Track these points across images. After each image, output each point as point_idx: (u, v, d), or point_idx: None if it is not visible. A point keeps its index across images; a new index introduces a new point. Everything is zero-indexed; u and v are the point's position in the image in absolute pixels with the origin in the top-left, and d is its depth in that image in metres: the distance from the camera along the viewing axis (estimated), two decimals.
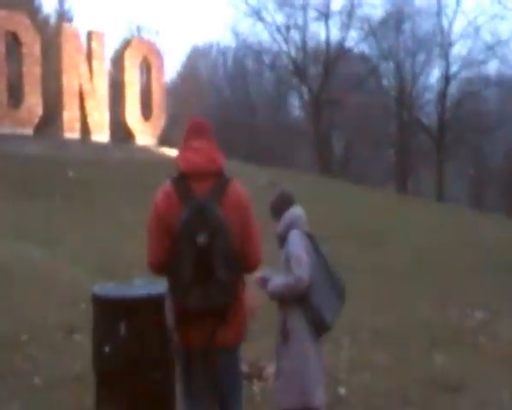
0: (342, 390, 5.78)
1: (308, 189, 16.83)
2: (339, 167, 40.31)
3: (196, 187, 3.39)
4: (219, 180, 3.45)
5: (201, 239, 3.25)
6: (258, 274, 4.12)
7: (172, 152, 19.17)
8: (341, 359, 6.50)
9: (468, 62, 38.63)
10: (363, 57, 40.75)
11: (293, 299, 4.14)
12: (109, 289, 4.14)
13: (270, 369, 5.31)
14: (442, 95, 38.57)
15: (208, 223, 3.27)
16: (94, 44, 20.79)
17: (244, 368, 5.06)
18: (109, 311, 3.82)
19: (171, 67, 60.99)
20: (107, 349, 3.76)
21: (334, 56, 39.01)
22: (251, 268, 3.60)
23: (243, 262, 3.46)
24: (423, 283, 11.29)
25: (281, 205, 4.39)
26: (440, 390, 6.07)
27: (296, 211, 4.38)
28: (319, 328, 4.19)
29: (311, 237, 4.34)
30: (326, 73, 38.63)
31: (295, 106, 46.67)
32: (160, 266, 3.41)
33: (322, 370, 4.30)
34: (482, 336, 8.24)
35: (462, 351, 7.51)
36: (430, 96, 40.62)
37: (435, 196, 35.87)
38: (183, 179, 3.43)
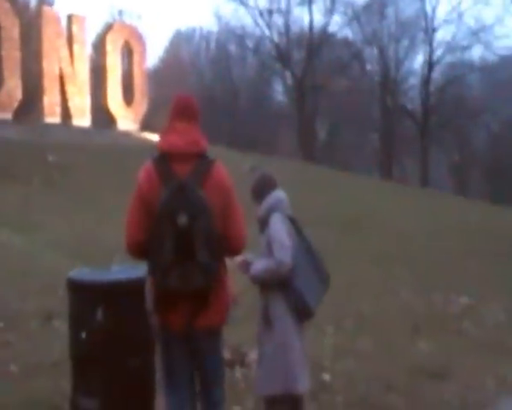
0: (326, 377, 5.73)
1: (292, 175, 16.75)
2: (323, 153, 40.28)
3: (178, 168, 3.36)
4: (202, 162, 3.41)
5: (182, 220, 3.20)
6: (239, 258, 4.03)
7: (154, 137, 19.06)
8: (325, 345, 6.45)
9: (451, 48, 38.72)
10: (346, 42, 40.65)
11: (276, 283, 4.05)
12: (86, 273, 4.05)
13: (253, 355, 5.24)
14: (426, 80, 38.64)
15: (189, 204, 3.23)
16: (75, 28, 20.66)
17: (226, 355, 4.99)
18: (86, 296, 3.75)
19: (153, 52, 60.59)
20: (83, 335, 3.70)
21: (318, 41, 38.86)
22: (234, 251, 3.56)
23: (226, 245, 3.42)
24: (407, 269, 11.28)
25: (262, 188, 4.29)
26: (425, 377, 6.04)
27: (278, 194, 4.28)
28: (302, 313, 4.11)
29: (293, 221, 4.25)
30: (309, 58, 38.49)
31: (278, 91, 46.53)
32: (139, 248, 3.36)
33: (306, 356, 4.23)
34: (467, 322, 8.24)
35: (447, 337, 7.50)
36: (414, 81, 40.75)
37: (419, 181, 35.98)
38: (165, 160, 3.39)
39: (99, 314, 3.66)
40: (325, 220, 13.61)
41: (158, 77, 39.54)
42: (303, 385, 4.13)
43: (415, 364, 6.31)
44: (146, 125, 23.36)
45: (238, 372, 5.55)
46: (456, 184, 40.11)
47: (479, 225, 15.91)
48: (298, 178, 17.88)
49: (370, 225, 14.53)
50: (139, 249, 3.36)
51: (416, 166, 39.01)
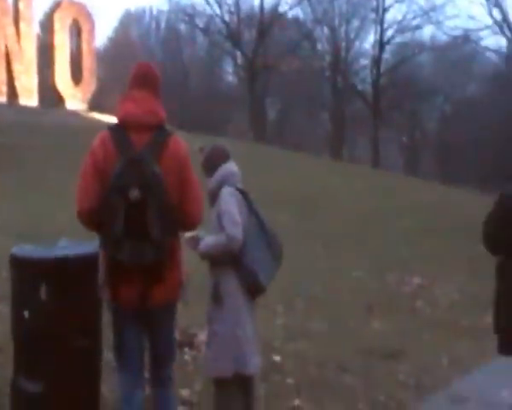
0: (277, 358, 5.61)
1: (243, 156, 16.46)
2: (273, 134, 40.22)
3: (134, 138, 3.31)
4: (159, 133, 3.36)
5: (134, 193, 3.16)
6: (188, 234, 3.85)
7: (104, 117, 18.79)
8: (276, 326, 6.34)
9: (402, 28, 39.09)
10: (297, 22, 40.58)
11: (226, 260, 3.89)
12: (29, 250, 3.82)
13: (202, 336, 5.07)
14: (377, 60, 38.92)
15: (142, 177, 3.18)
16: (21, 6, 20.32)
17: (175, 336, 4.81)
18: (28, 273, 3.58)
19: (102, 32, 59.38)
20: (26, 315, 3.57)
21: (268, 21, 38.68)
22: (189, 226, 3.55)
23: (182, 220, 3.40)
24: (360, 249, 11.26)
25: (214, 160, 4.11)
26: (378, 357, 5.98)
27: (230, 167, 4.11)
28: (253, 290, 3.96)
29: (245, 195, 4.07)
30: (260, 38, 38.29)
31: (229, 71, 46.22)
32: (89, 217, 3.30)
33: (257, 335, 4.07)
34: (420, 302, 8.25)
35: (401, 317, 7.48)
36: (365, 61, 40.97)
37: (370, 162, 36.28)
38: (121, 129, 3.35)
39: (42, 293, 3.51)
40: (277, 201, 13.47)
41: (107, 57, 38.81)
42: (254, 366, 3.98)
43: (368, 344, 6.25)
44: (95, 105, 23.09)
45: (187, 355, 5.39)
46: (407, 165, 40.62)
47: (431, 206, 16.04)
48: (249, 158, 17.64)
49: (322, 205, 14.48)
50: (89, 218, 3.29)
51: (368, 147, 39.36)
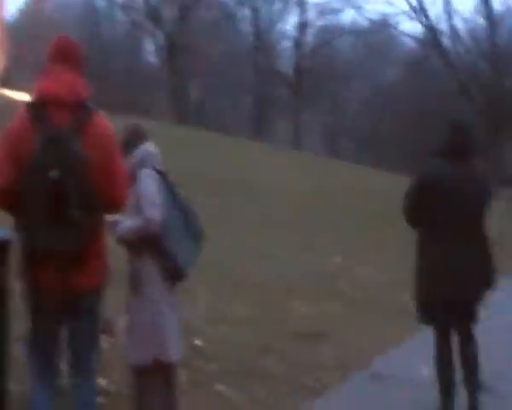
0: (199, 342, 5.52)
1: (166, 138, 16.25)
2: (196, 116, 39.81)
3: (54, 116, 3.13)
4: (81, 111, 3.19)
5: (54, 174, 3.00)
6: (111, 217, 3.70)
7: (15, 95, 17.95)
8: (199, 309, 6.23)
9: (324, 11, 39.33)
10: (219, 2, 40.18)
11: (145, 243, 3.73)
12: None
13: (121, 323, 4.89)
14: (298, 43, 39.11)
15: (62, 157, 3.03)
16: None
17: None
18: None
19: (12, 3, 56.82)
20: None
21: (190, 0, 38.12)
22: (113, 209, 3.38)
23: (105, 202, 3.21)
24: (283, 231, 11.25)
25: (131, 139, 3.96)
26: (301, 338, 5.99)
27: (148, 147, 3.97)
28: (174, 275, 3.84)
29: (164, 176, 3.93)
30: (181, 18, 37.71)
31: (150, 52, 45.30)
32: (2, 196, 3.12)
33: (178, 321, 3.96)
34: (343, 282, 8.32)
35: (324, 298, 7.51)
36: (287, 43, 41.09)
37: (292, 145, 36.51)
38: (40, 106, 3.16)
39: None
40: (200, 183, 13.29)
41: (18, 31, 37.22)
42: (176, 353, 3.87)
43: (291, 326, 6.25)
44: (5, 81, 22.05)
45: (105, 342, 5.19)
46: (328, 148, 41.16)
47: (352, 187, 16.28)
48: (172, 140, 17.37)
49: (248, 187, 14.41)
50: (3, 197, 3.12)
51: (289, 130, 39.60)
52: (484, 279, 4.45)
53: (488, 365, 4.72)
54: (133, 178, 3.83)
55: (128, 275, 3.85)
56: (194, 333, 5.63)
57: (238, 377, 5.03)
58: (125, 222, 3.76)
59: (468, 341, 4.54)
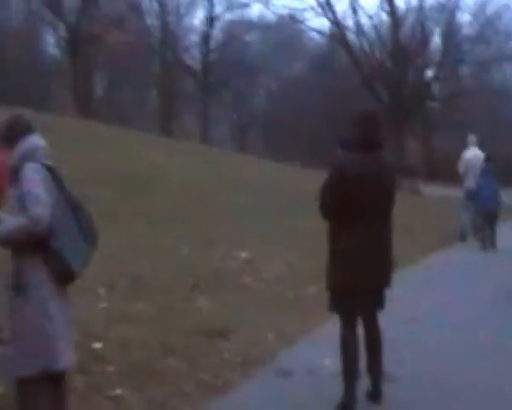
0: (97, 345, 5.32)
1: (67, 132, 15.78)
2: (100, 110, 38.85)
3: None
4: None
5: None
6: None
7: None
8: (97, 310, 6.02)
9: (231, 5, 39.38)
10: None
11: (31, 244, 3.50)
12: None
13: (4, 332, 4.63)
14: (206, 37, 38.95)
15: None
16: None
17: None
18: None
19: None
20: None
21: None
22: None
23: None
24: (188, 226, 11.13)
25: (13, 132, 3.70)
26: (205, 337, 5.88)
27: (34, 140, 3.73)
28: (63, 277, 3.62)
29: (52, 171, 3.71)
30: (84, 8, 36.63)
31: (51, 43, 43.81)
32: None
33: (69, 326, 3.75)
34: (247, 277, 8.27)
35: (228, 294, 7.43)
36: (195, 37, 40.83)
37: (200, 139, 36.34)
38: None
39: None
40: (100, 179, 12.94)
41: None
42: (65, 361, 3.65)
43: (194, 324, 6.13)
44: None
45: None
46: (236, 142, 41.24)
47: (258, 182, 16.32)
48: (74, 135, 16.89)
49: (149, 182, 14.14)
50: None
51: (197, 124, 39.40)
52: (389, 266, 4.59)
53: (390, 354, 4.80)
54: (17, 173, 3.61)
55: (11, 277, 3.61)
56: (93, 336, 5.44)
57: (138, 380, 4.88)
58: (8, 221, 3.52)
59: (373, 328, 4.68)
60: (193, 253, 9.24)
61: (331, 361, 5.30)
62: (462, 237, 12.82)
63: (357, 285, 4.45)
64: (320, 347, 5.82)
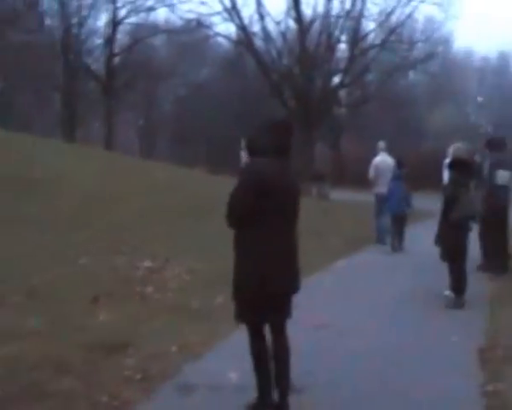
0: None
1: None
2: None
3: None
4: None
5: None
6: None
7: None
8: None
9: (136, 8, 38.78)
10: None
11: None
12: None
13: None
14: (110, 40, 38.18)
15: None
16: None
17: None
18: None
19: None
20: None
21: None
22: None
23: None
24: (90, 234, 10.67)
25: None
26: (103, 353, 5.53)
27: None
28: None
29: None
30: None
31: None
32: None
33: None
34: (150, 287, 7.97)
35: (130, 305, 7.12)
36: (99, 40, 39.92)
37: (105, 144, 35.51)
38: None
39: None
40: None
41: None
42: None
43: (92, 339, 5.78)
44: None
45: None
46: (143, 147, 40.65)
47: (165, 187, 15.94)
48: None
49: (49, 188, 13.53)
50: None
51: (102, 129, 38.51)
52: (297, 273, 4.55)
53: (298, 364, 4.66)
54: None
55: None
56: None
57: (27, 402, 4.51)
58: None
59: (281, 337, 4.56)
60: (93, 262, 8.83)
61: (236, 374, 5.11)
62: (380, 241, 13.01)
63: (266, 292, 4.37)
64: (225, 359, 5.62)
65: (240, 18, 30.47)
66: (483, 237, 10.21)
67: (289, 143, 4.53)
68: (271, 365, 4.54)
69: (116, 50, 38.63)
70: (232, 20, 30.80)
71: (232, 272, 4.44)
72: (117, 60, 38.59)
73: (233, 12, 30.34)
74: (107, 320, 6.49)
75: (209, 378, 5.22)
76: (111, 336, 5.89)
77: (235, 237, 4.47)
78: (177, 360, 5.62)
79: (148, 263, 9.06)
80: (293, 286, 4.53)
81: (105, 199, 13.45)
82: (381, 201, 12.95)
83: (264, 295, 4.37)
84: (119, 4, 38.41)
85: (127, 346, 5.74)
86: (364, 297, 8.28)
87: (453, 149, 8.50)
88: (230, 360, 5.47)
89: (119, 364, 5.38)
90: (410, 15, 31.47)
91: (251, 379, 4.57)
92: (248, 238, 4.36)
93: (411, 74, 42.22)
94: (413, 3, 30.36)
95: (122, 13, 38.70)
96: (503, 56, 57.20)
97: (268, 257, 4.34)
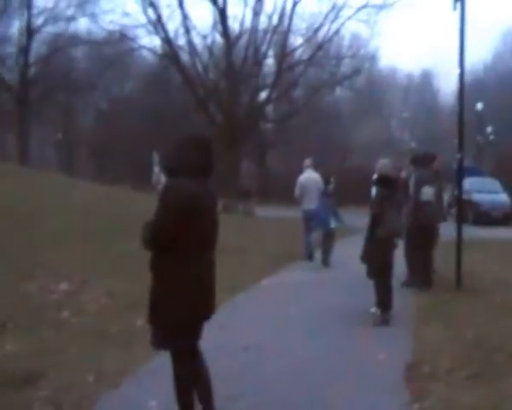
0: None
1: None
2: None
3: None
4: None
5: None
6: None
7: None
8: None
9: (54, 17, 37.94)
10: None
11: None
12: None
13: None
14: (24, 49, 37.13)
15: None
16: None
17: None
18: None
19: None
20: None
21: None
22: None
23: None
24: (2, 255, 10.18)
25: None
26: (11, 386, 5.22)
27: None
28: None
29: None
30: None
31: None
32: None
33: None
34: (66, 312, 7.66)
35: (43, 332, 6.79)
36: (12, 49, 38.66)
37: (18, 159, 34.35)
38: None
39: None
40: None
41: None
42: None
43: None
44: None
45: None
46: (62, 163, 39.67)
47: (85, 205, 15.49)
48: None
49: None
50: None
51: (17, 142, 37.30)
52: (215, 294, 4.47)
53: (224, 387, 4.54)
54: None
55: None
56: None
57: None
58: None
59: (202, 360, 4.48)
60: (2, 287, 8.41)
61: (157, 402, 4.93)
62: (309, 257, 13.06)
63: (200, 315, 4.34)
64: (145, 387, 5.41)
65: (165, 31, 30.24)
66: (408, 252, 10.40)
67: (211, 161, 4.37)
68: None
69: (32, 60, 37.55)
70: (157, 33, 30.55)
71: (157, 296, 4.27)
72: (33, 70, 37.52)
73: (158, 25, 30.09)
74: (16, 350, 6.16)
75: (128, 407, 5.01)
76: (19, 368, 5.58)
77: (153, 260, 4.31)
78: (93, 390, 5.36)
79: (64, 286, 8.72)
80: (213, 308, 4.45)
81: (19, 218, 12.93)
82: (309, 217, 13.01)
83: (197, 317, 4.34)
84: (34, 11, 37.48)
85: (37, 377, 5.44)
86: (290, 316, 8.21)
87: (379, 166, 8.58)
88: (151, 387, 5.28)
89: (28, 398, 5.08)
90: (337, 32, 32.05)
91: (172, 406, 4.40)
92: (178, 261, 4.22)
93: (338, 90, 42.92)
94: (340, 20, 30.94)
95: (39, 21, 37.78)
96: (426, 74, 59.24)
97: (200, 279, 4.27)
